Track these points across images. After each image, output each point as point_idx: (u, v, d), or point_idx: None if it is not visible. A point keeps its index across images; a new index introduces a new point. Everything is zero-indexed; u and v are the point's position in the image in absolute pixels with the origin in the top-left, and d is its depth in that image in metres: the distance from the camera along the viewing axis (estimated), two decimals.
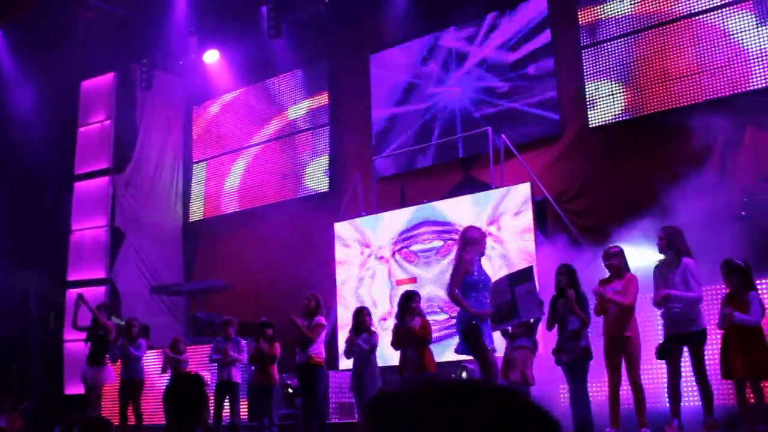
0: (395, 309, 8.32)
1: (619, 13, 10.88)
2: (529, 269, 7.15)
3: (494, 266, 9.74)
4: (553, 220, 10.67)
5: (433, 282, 10.47)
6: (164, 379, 10.23)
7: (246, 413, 10.34)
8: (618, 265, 6.95)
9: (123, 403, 10.18)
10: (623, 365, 6.88)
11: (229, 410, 9.49)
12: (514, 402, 0.89)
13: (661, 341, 6.80)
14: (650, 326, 7.51)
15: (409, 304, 7.94)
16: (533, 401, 0.94)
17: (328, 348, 10.32)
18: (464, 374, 8.95)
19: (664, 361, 6.80)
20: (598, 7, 11.04)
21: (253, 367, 9.57)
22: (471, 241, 6.91)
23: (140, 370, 10.20)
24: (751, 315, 6.26)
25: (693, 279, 6.57)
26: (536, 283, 7.27)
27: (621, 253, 7.01)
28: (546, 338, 7.63)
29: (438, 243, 10.59)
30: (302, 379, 8.90)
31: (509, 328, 7.48)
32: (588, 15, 11.16)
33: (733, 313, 6.24)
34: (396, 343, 8.03)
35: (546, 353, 7.44)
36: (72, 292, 13.57)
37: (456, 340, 6.98)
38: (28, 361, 14.69)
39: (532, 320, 7.40)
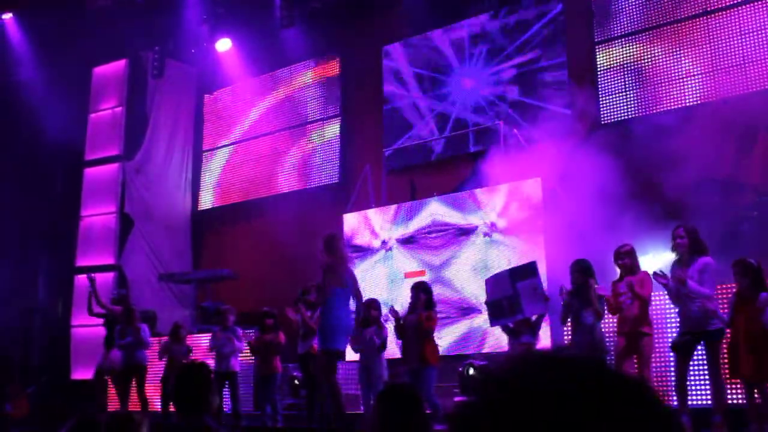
0: (404, 301, 8.32)
1: (633, 11, 10.83)
2: (533, 264, 7.10)
3: (503, 261, 9.74)
4: (562, 215, 10.60)
5: (441, 274, 10.45)
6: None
7: (251, 402, 10.36)
8: (630, 264, 6.91)
9: (124, 388, 10.17)
10: (634, 365, 6.83)
11: (230, 399, 9.50)
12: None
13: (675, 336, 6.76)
14: (662, 326, 7.48)
15: (417, 295, 7.96)
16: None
17: None
18: (471, 371, 8.90)
19: (675, 355, 6.73)
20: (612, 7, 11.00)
21: (256, 358, 9.59)
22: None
23: (141, 355, 10.12)
24: (765, 316, 6.25)
25: (710, 277, 6.52)
26: (541, 279, 7.24)
27: (632, 251, 6.96)
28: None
29: (447, 236, 10.55)
30: (305, 370, 8.91)
31: (510, 324, 7.45)
32: (602, 11, 11.11)
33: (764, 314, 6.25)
34: (396, 332, 8.12)
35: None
36: (81, 278, 13.61)
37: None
38: (34, 347, 14.75)
39: (535, 317, 7.38)
